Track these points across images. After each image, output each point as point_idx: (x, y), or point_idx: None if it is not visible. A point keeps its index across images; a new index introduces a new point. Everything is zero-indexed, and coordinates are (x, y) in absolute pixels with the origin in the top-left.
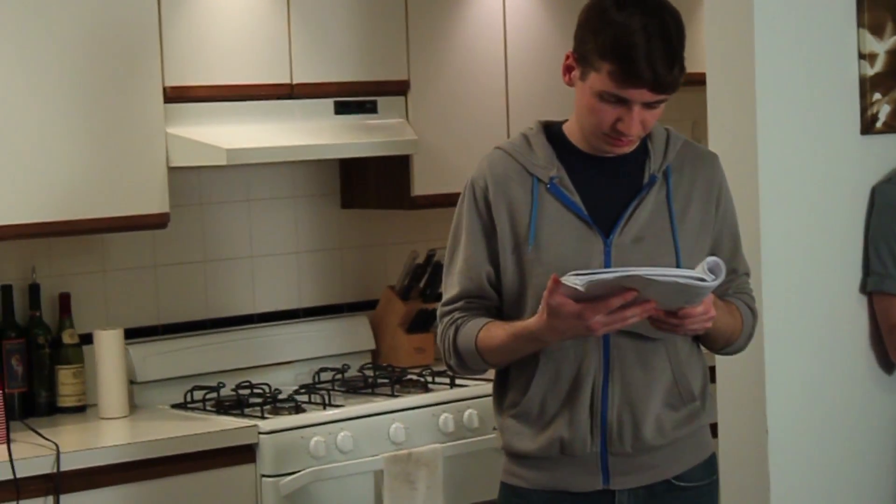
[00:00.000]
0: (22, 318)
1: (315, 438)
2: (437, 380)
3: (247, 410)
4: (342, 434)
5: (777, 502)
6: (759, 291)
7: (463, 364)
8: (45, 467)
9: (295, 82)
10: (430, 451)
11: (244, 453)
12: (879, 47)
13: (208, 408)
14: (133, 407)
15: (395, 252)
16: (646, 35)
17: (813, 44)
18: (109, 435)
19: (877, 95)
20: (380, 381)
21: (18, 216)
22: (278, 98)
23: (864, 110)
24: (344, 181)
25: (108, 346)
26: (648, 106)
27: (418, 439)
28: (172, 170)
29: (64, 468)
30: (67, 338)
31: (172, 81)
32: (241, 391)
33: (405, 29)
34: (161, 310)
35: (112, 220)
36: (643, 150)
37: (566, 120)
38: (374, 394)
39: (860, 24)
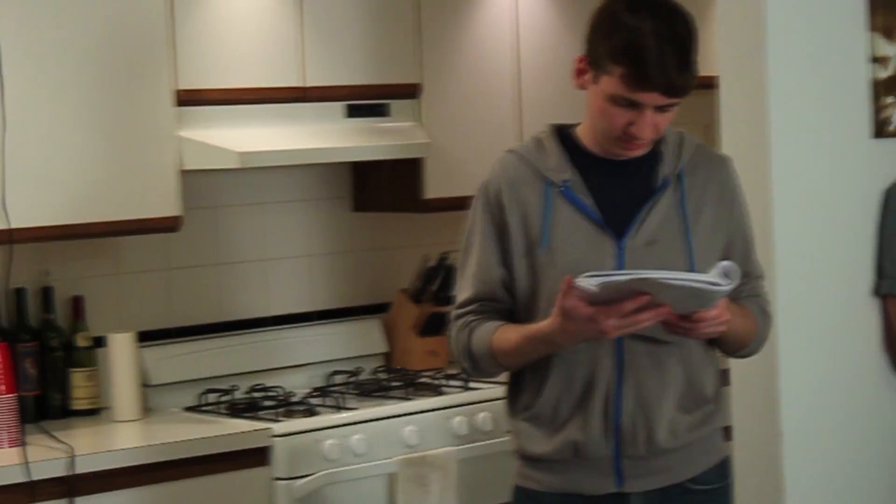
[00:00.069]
0: (35, 321)
1: (328, 441)
2: (451, 383)
3: (260, 413)
4: (356, 437)
5: None
6: (772, 294)
7: (476, 367)
8: (59, 470)
9: (307, 85)
10: (444, 453)
11: (257, 456)
12: (891, 50)
13: (222, 410)
14: (146, 410)
15: (407, 255)
16: (658, 39)
17: (824, 47)
18: (123, 438)
19: (888, 99)
20: (393, 383)
21: (32, 219)
22: (291, 101)
23: (875, 113)
24: (356, 184)
25: (122, 349)
26: (660, 109)
27: (432, 442)
28: (185, 173)
29: (78, 471)
30: (81, 341)
31: (185, 85)
32: (255, 394)
33: (417, 32)
34: (174, 313)
35: (125, 224)
36: (656, 154)
37: (578, 123)
38: (387, 397)
39: (872, 28)
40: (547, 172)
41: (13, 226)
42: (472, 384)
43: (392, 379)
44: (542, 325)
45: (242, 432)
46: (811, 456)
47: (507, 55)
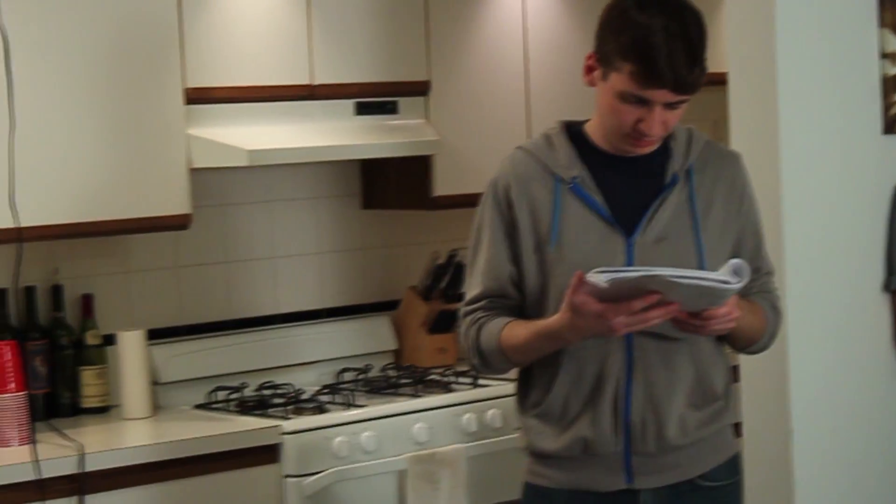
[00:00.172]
0: (45, 319)
1: (338, 438)
2: (460, 380)
3: (270, 411)
4: (365, 434)
5: (802, 501)
6: (782, 290)
7: (486, 363)
8: (69, 468)
9: (316, 83)
10: (454, 451)
11: (267, 454)
12: None
13: (231, 408)
14: (156, 407)
15: (416, 252)
16: (667, 36)
17: (834, 43)
18: (133, 435)
19: None
20: (402, 381)
21: (41, 218)
22: (299, 99)
23: (885, 110)
24: (365, 182)
25: (131, 347)
26: (670, 106)
27: (441, 439)
28: (194, 171)
29: (88, 469)
30: (90, 339)
31: (194, 83)
32: (264, 391)
33: (426, 29)
34: (184, 310)
35: (134, 222)
36: (665, 150)
37: (588, 120)
38: (396, 394)
39: (882, 24)
40: (556, 169)
41: (23, 224)
42: (481, 381)
43: (401, 376)
44: (550, 320)
45: (252, 430)
46: (821, 452)
47: (516, 52)
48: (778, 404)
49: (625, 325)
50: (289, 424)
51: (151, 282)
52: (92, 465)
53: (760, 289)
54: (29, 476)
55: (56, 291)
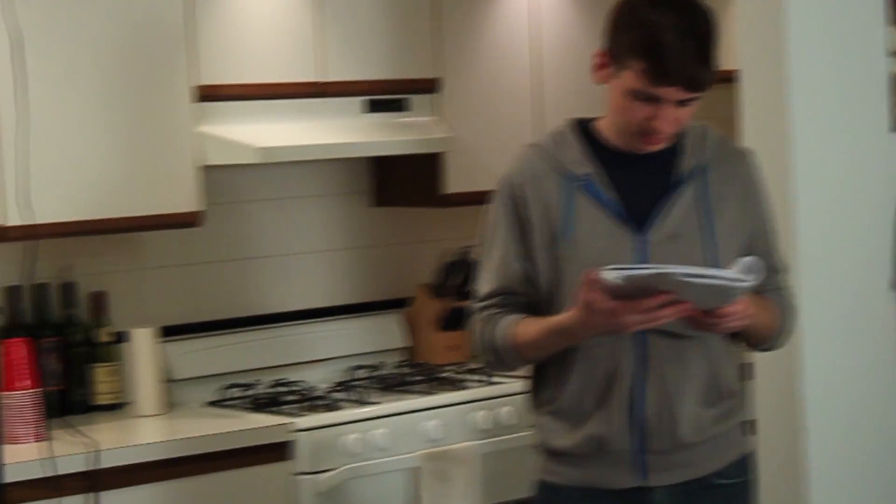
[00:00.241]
0: (58, 316)
1: (351, 436)
2: (473, 377)
3: (282, 408)
4: (378, 431)
5: (816, 500)
6: (795, 288)
7: (498, 360)
8: (83, 465)
9: (326, 81)
10: (467, 448)
11: (280, 451)
12: None
13: (244, 405)
14: (169, 405)
15: (427, 250)
16: (678, 33)
17: (845, 42)
18: (146, 432)
19: None
20: (415, 378)
21: (54, 215)
22: (310, 96)
23: (893, 107)
24: (376, 179)
25: (144, 344)
26: (681, 104)
27: (454, 436)
28: (205, 168)
29: (102, 465)
30: (103, 336)
31: (204, 80)
32: (277, 389)
33: (437, 26)
34: (196, 308)
35: (146, 219)
36: (678, 147)
37: (600, 117)
38: (409, 391)
39: (891, 22)
40: (568, 166)
41: (36, 221)
42: (494, 378)
43: (414, 373)
44: (562, 317)
45: (264, 427)
46: (834, 449)
47: (527, 49)
48: (791, 402)
49: (636, 322)
50: (301, 422)
51: (164, 279)
52: (106, 462)
53: (774, 286)
54: (44, 473)
55: (69, 289)
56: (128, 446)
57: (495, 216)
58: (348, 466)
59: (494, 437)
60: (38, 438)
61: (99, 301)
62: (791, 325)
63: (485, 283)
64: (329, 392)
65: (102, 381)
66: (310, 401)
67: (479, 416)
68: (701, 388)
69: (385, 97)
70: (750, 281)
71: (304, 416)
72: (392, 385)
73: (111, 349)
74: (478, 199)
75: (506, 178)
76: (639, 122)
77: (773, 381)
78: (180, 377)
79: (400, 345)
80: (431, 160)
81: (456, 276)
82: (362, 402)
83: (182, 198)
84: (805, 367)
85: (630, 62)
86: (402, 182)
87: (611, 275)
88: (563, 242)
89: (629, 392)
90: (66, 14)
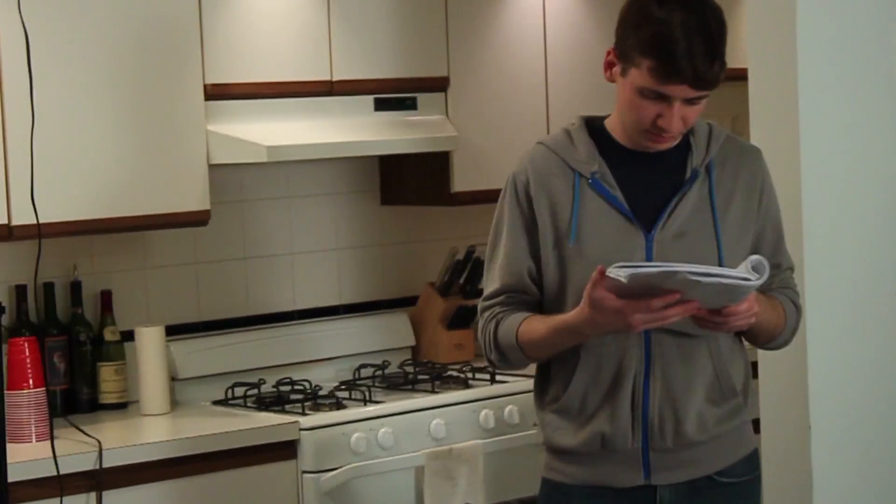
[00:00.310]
0: (64, 315)
1: (356, 435)
2: (478, 376)
3: (287, 407)
4: (383, 430)
5: (820, 498)
6: (801, 286)
7: (504, 358)
8: (88, 464)
9: (335, 79)
10: (471, 447)
11: (285, 450)
12: None
13: (249, 404)
14: (174, 403)
15: (434, 248)
16: (686, 31)
17: (854, 39)
18: (151, 431)
19: None
20: (420, 377)
21: (60, 214)
22: (318, 95)
23: None
24: (384, 178)
25: (150, 343)
26: (689, 102)
27: (459, 435)
28: (213, 167)
29: (106, 465)
30: (109, 335)
31: (213, 79)
32: (282, 387)
33: (445, 25)
34: (202, 307)
35: (153, 218)
36: (685, 145)
37: (608, 115)
38: (414, 390)
39: None
40: (576, 164)
41: (42, 220)
42: (499, 377)
43: (419, 372)
44: (569, 315)
45: (270, 426)
46: (839, 448)
47: (535, 48)
48: (796, 400)
49: (643, 321)
50: (306, 421)
51: (170, 278)
52: (110, 462)
53: (780, 284)
54: (48, 472)
55: (75, 288)
56: (133, 445)
57: (502, 214)
58: (353, 465)
59: (499, 436)
60: (43, 438)
61: (105, 300)
62: (797, 323)
63: (491, 281)
64: (334, 391)
65: (108, 380)
66: (315, 400)
67: (484, 415)
68: (706, 387)
69: (394, 96)
70: (756, 280)
71: (309, 415)
72: (397, 384)
73: (117, 348)
74: (485, 197)
75: (513, 177)
76: (647, 120)
77: (777, 379)
78: (186, 376)
79: (405, 343)
80: (439, 159)
81: (462, 274)
82: (367, 401)
83: (190, 197)
84: (809, 365)
85: (638, 60)
86: (409, 181)
87: (617, 272)
88: (570, 241)
89: (634, 390)
90: (74, 12)
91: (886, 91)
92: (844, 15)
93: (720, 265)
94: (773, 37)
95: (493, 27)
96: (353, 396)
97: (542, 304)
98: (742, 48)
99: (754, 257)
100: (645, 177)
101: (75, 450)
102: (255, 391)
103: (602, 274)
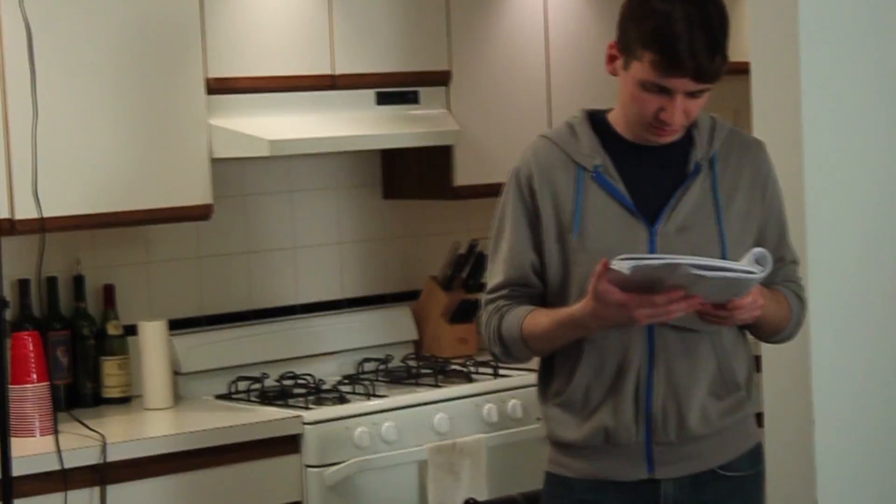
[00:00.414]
0: (67, 309)
1: (359, 429)
2: (481, 370)
3: (291, 401)
4: (386, 424)
5: (824, 492)
6: (805, 280)
7: (507, 352)
8: (91, 458)
9: (337, 73)
10: (474, 441)
11: (288, 444)
12: None
13: (252, 398)
14: (177, 398)
15: (437, 242)
16: (688, 24)
17: (858, 32)
18: (154, 426)
19: None
20: (423, 371)
21: (63, 208)
22: (320, 89)
23: None
24: (386, 172)
25: (153, 337)
26: (691, 95)
27: (462, 429)
28: (215, 161)
29: (110, 459)
30: (112, 329)
31: (215, 73)
32: (285, 382)
33: (447, 19)
34: (205, 301)
35: (156, 212)
36: (688, 139)
37: (611, 108)
38: (417, 384)
39: None
40: (579, 158)
41: (45, 214)
42: (502, 371)
43: (422, 366)
44: (573, 309)
45: (273, 420)
46: (843, 443)
47: (537, 41)
48: (799, 394)
49: (647, 316)
50: (310, 415)
51: (173, 272)
52: (114, 456)
53: (784, 278)
54: (51, 466)
55: (78, 282)
56: (136, 440)
57: (505, 208)
58: (356, 459)
59: (502, 429)
60: (47, 432)
61: (108, 294)
62: (801, 317)
63: (494, 274)
64: (337, 385)
65: (111, 374)
66: (318, 394)
67: (487, 409)
68: (709, 381)
69: (396, 90)
70: (760, 272)
71: (312, 409)
72: (400, 378)
73: (120, 342)
74: (488, 191)
75: (516, 170)
76: (649, 113)
77: (780, 373)
78: (189, 370)
79: (409, 337)
80: (442, 153)
81: (465, 268)
82: (370, 395)
83: (192, 191)
84: (813, 359)
85: (640, 53)
86: (412, 174)
87: (621, 264)
88: (573, 234)
89: (637, 384)
90: (77, 6)
91: (889, 84)
92: (847, 7)
93: (723, 259)
94: (775, 30)
95: (495, 21)
96: (356, 391)
97: (545, 297)
98: (744, 41)
99: (757, 250)
100: (648, 170)
101: (79, 444)
102: (259, 385)
103: (606, 266)
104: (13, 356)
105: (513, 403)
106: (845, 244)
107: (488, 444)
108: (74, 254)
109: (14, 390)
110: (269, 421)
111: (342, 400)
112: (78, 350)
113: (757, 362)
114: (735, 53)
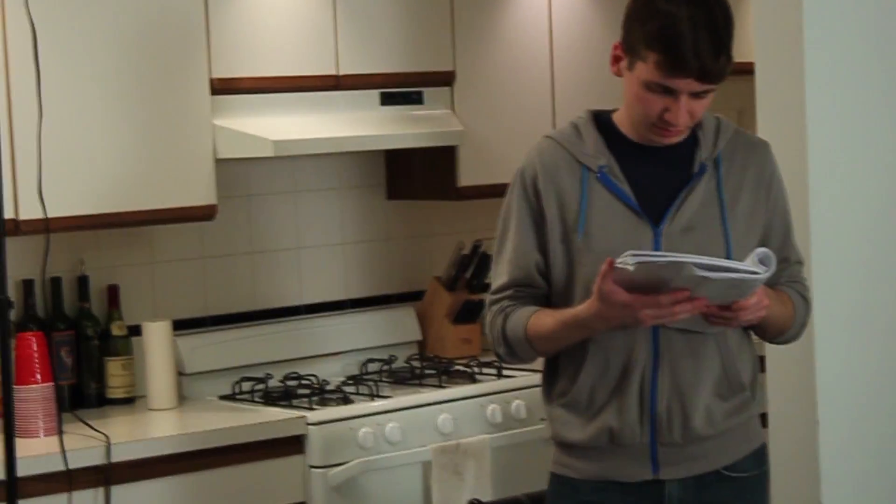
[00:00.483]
0: (71, 310)
1: (363, 429)
2: (485, 371)
3: (295, 402)
4: (390, 425)
5: (828, 493)
6: (809, 280)
7: (512, 352)
8: (96, 459)
9: (341, 73)
10: (478, 441)
11: (292, 444)
12: None
13: (256, 399)
14: (181, 398)
15: (441, 243)
16: (692, 24)
17: (863, 32)
18: (158, 426)
19: None
20: (427, 371)
21: (67, 209)
22: (325, 89)
23: None
24: (390, 172)
25: (157, 338)
26: (696, 96)
27: (466, 430)
28: (219, 162)
29: (114, 459)
30: (116, 329)
31: (219, 73)
32: (289, 382)
33: (451, 19)
34: (209, 301)
35: (160, 213)
36: (693, 139)
37: (615, 109)
38: (421, 385)
39: None
40: (583, 158)
41: (49, 215)
42: (506, 372)
43: (426, 367)
44: (578, 309)
45: (277, 421)
46: (847, 443)
47: (541, 42)
48: (804, 395)
49: (652, 317)
50: (314, 415)
51: (177, 273)
52: (118, 456)
53: (789, 278)
54: (56, 467)
55: (82, 282)
56: (140, 440)
57: (510, 208)
58: (361, 460)
59: (506, 430)
60: (51, 433)
61: (112, 295)
62: (806, 317)
63: (499, 274)
64: (341, 386)
65: (115, 374)
66: (322, 394)
67: (491, 409)
68: (714, 382)
69: (400, 90)
70: (764, 272)
71: (316, 409)
72: (404, 378)
73: (124, 343)
74: (492, 191)
75: (521, 170)
76: (654, 114)
77: (785, 374)
78: (193, 371)
79: (413, 338)
80: (446, 153)
81: (469, 269)
82: (374, 396)
83: (196, 191)
84: (817, 359)
85: (645, 54)
86: (416, 175)
87: (625, 260)
88: (578, 235)
89: (642, 384)
90: (82, 7)
91: (894, 84)
92: (851, 8)
93: (728, 259)
94: (780, 30)
95: (499, 21)
96: (360, 391)
97: (550, 297)
98: (748, 41)
99: (761, 250)
100: (653, 171)
101: (83, 445)
102: (263, 386)
103: (611, 266)
104: (17, 356)
105: (517, 404)
106: (850, 244)
107: (492, 444)
108: (79, 254)
109: (18, 391)
110: (273, 421)
111: (346, 400)
112: (82, 350)
113: (761, 363)
114: (739, 54)
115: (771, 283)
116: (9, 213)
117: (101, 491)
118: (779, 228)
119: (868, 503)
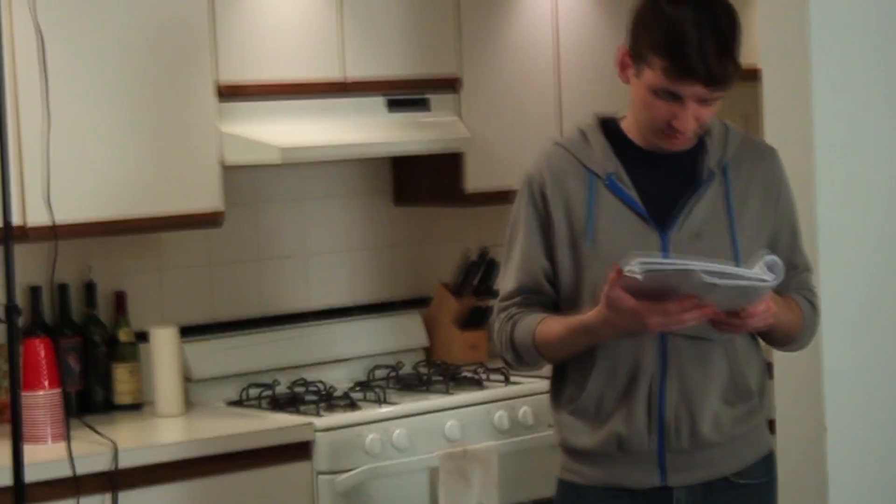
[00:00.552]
0: (78, 316)
1: (370, 436)
2: (492, 377)
3: (302, 408)
4: (397, 431)
5: (836, 500)
6: (816, 286)
7: (520, 359)
8: (103, 464)
9: (347, 79)
10: (485, 448)
11: (300, 450)
12: None
13: (264, 405)
14: (189, 404)
15: (448, 249)
16: (698, 30)
17: (870, 36)
18: (166, 432)
19: None
20: (434, 378)
21: (74, 215)
22: (331, 95)
23: None
24: (396, 178)
25: (164, 344)
26: (703, 102)
27: (473, 436)
28: (227, 168)
29: (121, 465)
30: (123, 336)
31: (226, 79)
32: (297, 388)
33: (457, 25)
34: (216, 307)
35: (167, 219)
36: (701, 146)
37: (623, 115)
38: (428, 391)
39: None
40: (591, 164)
41: (57, 221)
42: (513, 378)
43: (433, 373)
44: (586, 316)
45: (285, 427)
46: (855, 450)
47: (547, 47)
48: (811, 402)
49: (660, 324)
50: (321, 421)
51: (184, 279)
52: (125, 462)
53: (798, 286)
54: (63, 473)
55: (89, 289)
56: (147, 446)
57: (518, 214)
58: (368, 466)
59: (513, 436)
60: (59, 439)
61: (119, 301)
62: (814, 324)
63: (507, 281)
64: (349, 392)
65: (122, 380)
66: (329, 400)
67: (499, 415)
68: (722, 388)
69: (406, 96)
70: (773, 280)
71: (323, 415)
72: (411, 385)
73: (131, 349)
74: (498, 197)
75: (529, 176)
76: (661, 120)
77: (792, 380)
78: (200, 377)
79: (420, 344)
80: (452, 159)
81: (476, 275)
82: (381, 402)
83: (203, 197)
84: (825, 366)
85: (651, 59)
86: (422, 181)
87: (632, 268)
88: (586, 241)
89: (650, 390)
90: (88, 13)
91: None
92: (857, 12)
93: (736, 265)
94: (786, 35)
95: (505, 27)
96: (367, 397)
97: (557, 303)
98: (754, 46)
99: (769, 257)
100: (660, 177)
101: (91, 451)
102: (270, 392)
103: (619, 273)
104: (25, 363)
105: (524, 410)
106: (857, 250)
107: (499, 450)
108: (86, 260)
109: (26, 397)
110: (281, 428)
111: (353, 406)
112: (89, 356)
113: (769, 369)
114: (745, 59)
115: (779, 290)
116: (16, 220)
117: (108, 497)
118: (787, 235)
119: None
